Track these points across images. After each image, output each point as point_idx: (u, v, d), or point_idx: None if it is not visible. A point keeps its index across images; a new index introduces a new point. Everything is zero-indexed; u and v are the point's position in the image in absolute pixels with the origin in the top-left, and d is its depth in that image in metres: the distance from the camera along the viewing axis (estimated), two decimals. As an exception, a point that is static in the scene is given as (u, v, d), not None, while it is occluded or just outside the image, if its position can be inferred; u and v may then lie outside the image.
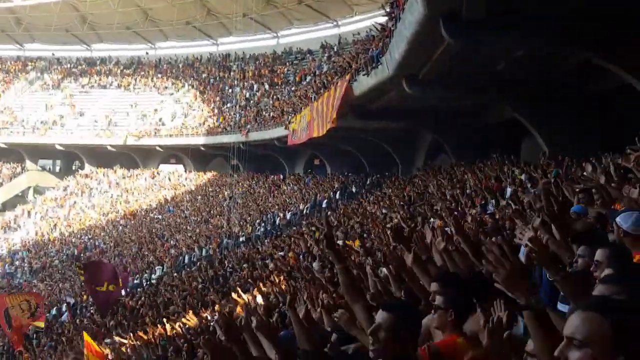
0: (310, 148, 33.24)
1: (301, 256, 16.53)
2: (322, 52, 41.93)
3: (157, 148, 46.43)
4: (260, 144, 36.15)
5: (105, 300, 19.10)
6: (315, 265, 12.70)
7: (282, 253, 19.50)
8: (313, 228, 21.15)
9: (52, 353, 17.79)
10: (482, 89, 18.03)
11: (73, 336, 19.52)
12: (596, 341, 1.55)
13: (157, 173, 47.41)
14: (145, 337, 13.37)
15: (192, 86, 50.59)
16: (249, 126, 37.75)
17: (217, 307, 13.35)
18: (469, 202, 13.34)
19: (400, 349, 2.56)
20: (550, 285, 2.99)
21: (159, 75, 53.17)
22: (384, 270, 7.88)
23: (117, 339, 15.22)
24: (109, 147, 47.14)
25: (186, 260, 28.74)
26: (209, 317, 12.61)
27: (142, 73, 54.04)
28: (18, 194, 49.64)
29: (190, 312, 14.46)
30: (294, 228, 25.94)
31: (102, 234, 39.17)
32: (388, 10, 18.92)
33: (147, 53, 56.23)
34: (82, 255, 36.36)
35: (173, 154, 47.99)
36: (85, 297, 23.68)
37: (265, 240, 25.85)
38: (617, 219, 3.86)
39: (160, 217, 38.89)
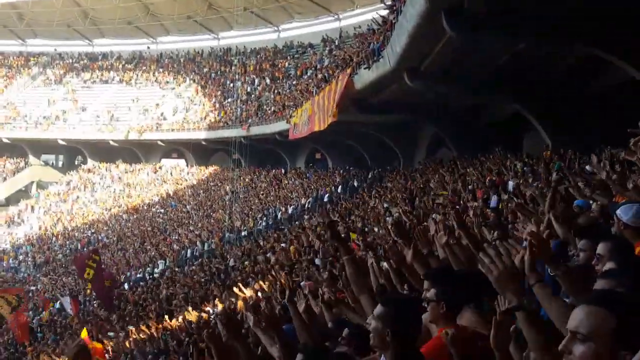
0: (312, 142, 33.20)
1: (303, 250, 16.55)
2: (323, 46, 41.81)
3: (159, 143, 46.46)
4: (261, 138, 36.12)
5: (109, 295, 19.26)
6: (317, 261, 12.71)
7: (284, 244, 19.53)
8: (315, 223, 21.17)
9: (56, 346, 17.85)
10: (484, 82, 17.97)
11: (78, 329, 19.63)
12: (600, 335, 1.55)
13: (159, 167, 47.45)
14: (148, 331, 13.43)
15: (194, 81, 50.54)
16: (250, 120, 37.73)
17: (217, 301, 13.37)
18: (471, 195, 13.32)
19: (400, 343, 2.56)
20: (552, 280, 2.99)
21: (161, 70, 53.12)
22: (385, 264, 7.89)
23: (120, 332, 15.29)
24: (111, 142, 47.21)
25: (188, 255, 28.81)
26: (211, 311, 12.65)
27: (144, 68, 54.00)
28: (21, 188, 49.77)
29: (192, 306, 14.50)
30: (296, 222, 25.97)
31: (105, 228, 39.31)
32: (389, 3, 18.84)
33: (148, 48, 56.16)
34: (85, 249, 36.49)
35: (175, 149, 48.00)
36: (88, 291, 23.76)
37: (267, 235, 25.88)
38: (618, 212, 3.87)
39: (162, 211, 38.96)
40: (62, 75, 54.47)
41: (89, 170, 49.21)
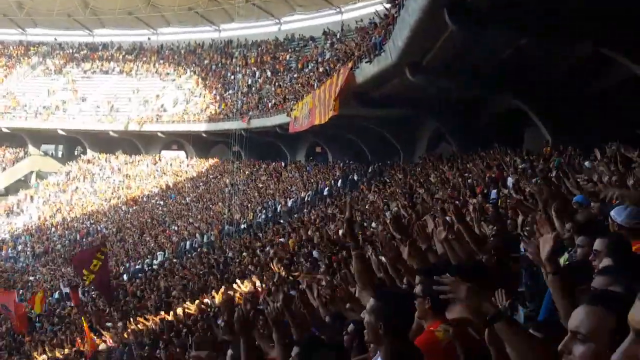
0: (312, 135, 33.17)
1: (302, 244, 16.56)
2: (324, 39, 41.70)
3: (159, 134, 46.41)
4: (262, 131, 36.08)
5: (109, 287, 19.36)
6: (315, 253, 12.73)
7: (282, 238, 19.56)
8: (314, 216, 21.19)
9: (53, 337, 17.88)
10: (486, 78, 17.94)
11: (77, 320, 19.68)
12: (600, 335, 1.54)
13: (159, 159, 47.42)
14: (146, 323, 13.46)
15: (194, 72, 50.42)
16: (250, 113, 37.67)
17: (214, 293, 13.39)
18: (469, 192, 13.31)
19: (393, 337, 2.57)
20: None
21: (161, 61, 52.98)
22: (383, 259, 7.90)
23: (119, 323, 15.31)
24: (111, 133, 47.14)
25: (187, 247, 28.85)
26: (209, 303, 12.68)
27: (144, 59, 53.85)
28: (21, 178, 49.75)
29: (190, 298, 14.53)
30: (295, 216, 25.99)
31: (104, 219, 39.32)
32: (391, -3, 18.79)
33: (149, 39, 55.97)
34: (84, 240, 36.54)
35: (175, 140, 47.95)
36: (87, 282, 23.77)
37: (266, 228, 25.91)
38: (611, 213, 3.90)
39: (162, 203, 38.98)
40: (62, 65, 54.33)
41: (88, 161, 49.16)
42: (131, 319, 15.37)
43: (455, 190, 14.52)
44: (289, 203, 28.56)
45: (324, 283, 8.96)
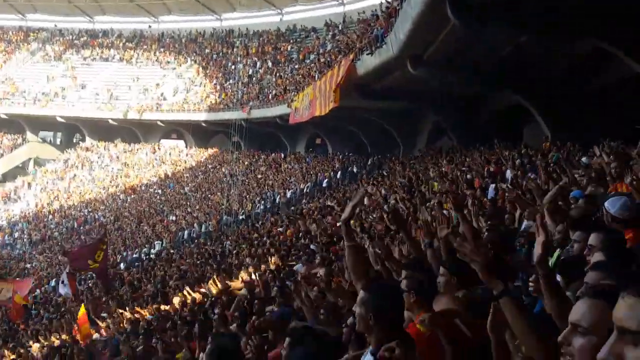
0: (313, 127, 33.12)
1: (300, 235, 16.54)
2: (326, 30, 41.54)
3: (159, 123, 46.29)
4: (262, 121, 36.02)
5: (106, 277, 19.44)
6: (312, 247, 12.73)
7: (280, 229, 19.55)
8: (313, 208, 21.18)
9: (49, 325, 17.87)
10: (487, 74, 17.92)
11: (73, 308, 19.68)
12: (601, 329, 1.55)
13: (158, 148, 47.33)
14: (143, 312, 13.46)
15: (195, 61, 50.24)
16: (251, 103, 37.59)
17: (210, 283, 13.38)
18: (466, 185, 13.28)
19: (382, 327, 2.59)
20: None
21: (162, 50, 52.78)
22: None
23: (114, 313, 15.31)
24: (110, 121, 47.01)
25: (185, 236, 28.85)
26: (206, 292, 12.67)
27: (145, 47, 53.64)
28: (18, 165, 49.66)
29: (187, 288, 14.51)
30: (292, 207, 25.97)
31: (102, 207, 39.28)
32: (394, -11, 18.69)
33: (149, 26, 55.74)
34: (82, 228, 36.52)
35: (174, 129, 47.86)
36: (84, 271, 23.81)
37: (265, 218, 25.90)
38: (605, 204, 3.92)
39: (160, 192, 38.94)
40: (61, 52, 54.11)
41: (87, 149, 49.06)
42: (127, 308, 15.38)
43: (453, 184, 14.50)
44: (288, 194, 28.55)
45: (320, 275, 8.95)
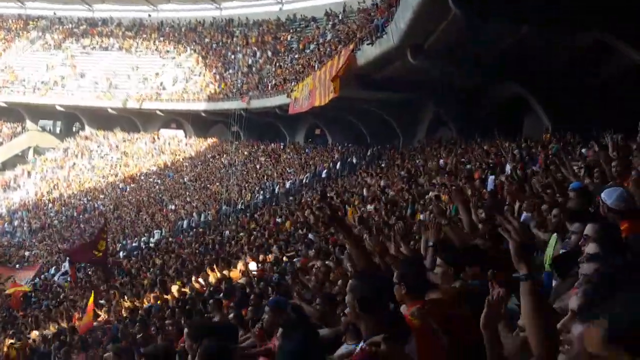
0: (312, 117, 33.04)
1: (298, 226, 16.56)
2: (326, 20, 41.32)
3: (158, 112, 46.17)
4: (261, 111, 35.94)
5: (106, 265, 19.57)
6: (310, 236, 12.75)
7: (279, 219, 19.58)
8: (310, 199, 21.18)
9: (48, 313, 17.92)
10: (487, 66, 17.87)
11: (72, 295, 19.74)
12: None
13: (158, 137, 47.25)
14: (143, 301, 13.51)
15: (194, 51, 50.03)
16: (250, 93, 37.49)
17: (209, 272, 13.40)
18: (467, 177, 13.29)
19: (368, 314, 2.58)
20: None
21: (161, 39, 52.53)
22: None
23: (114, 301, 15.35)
24: (109, 110, 46.89)
25: (184, 226, 28.88)
26: (203, 282, 12.70)
27: (144, 36, 53.39)
28: (18, 153, 49.59)
29: (186, 277, 14.55)
30: (291, 198, 25.97)
31: (102, 196, 39.30)
32: (395, -22, 18.57)
33: (149, 15, 55.43)
34: (81, 216, 36.56)
35: (174, 119, 47.76)
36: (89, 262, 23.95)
37: (264, 209, 25.91)
38: (602, 195, 3.96)
39: (159, 181, 38.94)
40: (61, 41, 53.88)
41: (86, 138, 49.00)
42: (126, 297, 15.42)
43: (452, 175, 14.51)
44: (287, 185, 28.54)
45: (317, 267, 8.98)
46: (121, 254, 27.36)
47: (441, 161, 18.46)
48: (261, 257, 12.86)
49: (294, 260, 11.08)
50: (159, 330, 8.74)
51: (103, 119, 48.36)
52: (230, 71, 44.47)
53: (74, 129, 52.01)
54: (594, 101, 16.25)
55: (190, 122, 45.62)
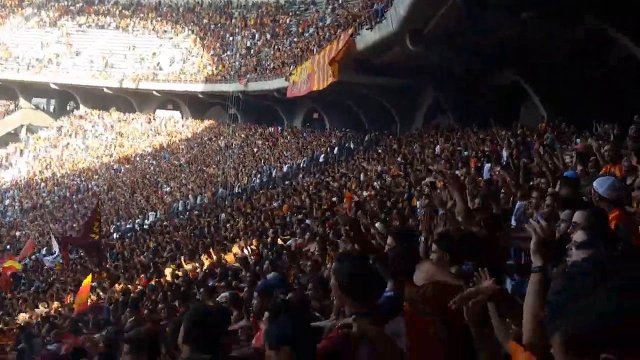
0: (310, 101, 32.91)
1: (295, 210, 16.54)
2: (326, 4, 41.01)
3: (154, 93, 45.83)
4: (259, 94, 35.74)
5: (99, 247, 19.55)
6: (308, 221, 12.75)
7: (276, 204, 19.55)
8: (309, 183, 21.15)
9: (37, 295, 17.85)
10: (486, 55, 17.80)
11: (62, 277, 19.69)
12: None
13: (154, 118, 46.96)
14: (135, 283, 13.49)
15: (192, 31, 49.60)
16: (248, 76, 37.25)
17: (204, 256, 13.37)
18: (464, 164, 13.27)
19: (348, 298, 2.56)
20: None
21: (159, 19, 52.04)
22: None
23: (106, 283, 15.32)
24: (105, 89, 46.50)
25: (180, 208, 28.81)
26: (197, 266, 12.68)
27: (141, 15, 52.85)
28: (10, 131, 49.15)
29: (180, 259, 14.53)
30: (287, 182, 25.91)
31: (96, 177, 39.09)
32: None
33: (147, -6, 54.88)
34: (74, 197, 36.39)
35: (170, 100, 47.41)
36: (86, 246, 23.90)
37: (260, 192, 25.86)
38: (594, 183, 4.02)
39: (154, 163, 38.77)
40: (56, 18, 53.29)
41: (80, 117, 48.63)
42: (119, 279, 15.40)
43: (448, 162, 14.48)
44: (285, 168, 28.48)
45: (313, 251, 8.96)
46: (115, 235, 27.28)
47: (437, 148, 18.44)
48: (257, 240, 12.84)
49: (288, 243, 11.06)
50: (151, 314, 8.71)
51: (98, 98, 47.95)
52: (229, 53, 44.15)
53: (68, 107, 51.60)
54: (591, 92, 16.24)
55: (187, 103, 45.34)
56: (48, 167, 42.35)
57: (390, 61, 21.18)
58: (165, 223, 25.82)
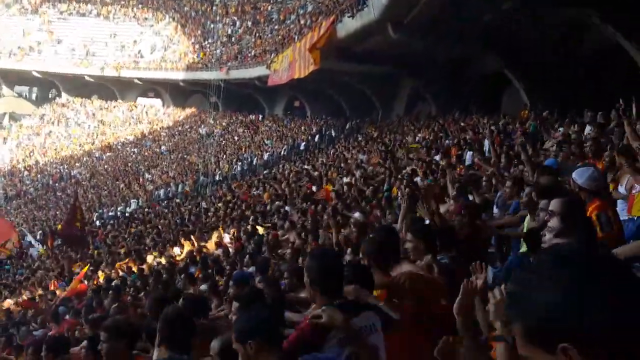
0: (291, 89, 32.82)
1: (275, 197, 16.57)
2: (308, -9, 40.76)
3: (136, 81, 45.43)
4: (240, 82, 35.54)
5: (82, 235, 19.50)
6: (288, 208, 12.79)
7: (257, 191, 19.55)
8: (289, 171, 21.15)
9: (22, 280, 17.77)
10: (468, 39, 17.84)
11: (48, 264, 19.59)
12: None
13: (135, 106, 46.57)
14: (118, 271, 13.48)
15: (173, 19, 49.14)
16: (229, 63, 37.01)
17: (185, 243, 13.39)
18: (444, 153, 13.37)
19: (319, 292, 2.61)
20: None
21: (140, 6, 51.44)
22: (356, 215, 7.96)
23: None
24: (86, 77, 46.01)
25: (162, 195, 28.72)
26: (178, 252, 12.70)
27: (122, 2, 52.20)
28: (-7, 119, 48.62)
29: (161, 247, 14.53)
30: (266, 171, 25.87)
31: (78, 164, 38.83)
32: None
33: (128, -19, 54.13)
34: (57, 184, 36.12)
35: (151, 88, 47.05)
36: (59, 226, 23.74)
37: (241, 180, 25.85)
38: (573, 174, 4.04)
39: (136, 151, 38.54)
40: (38, 5, 52.45)
41: (63, 105, 48.14)
42: (102, 266, 15.37)
43: (429, 151, 14.58)
44: (265, 156, 28.45)
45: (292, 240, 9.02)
46: (97, 222, 27.17)
47: (418, 136, 18.54)
48: (237, 229, 12.87)
49: (268, 232, 11.11)
50: (135, 301, 8.73)
51: (80, 86, 47.47)
52: (210, 40, 43.81)
53: (50, 95, 51.02)
54: (575, 80, 16.37)
55: (168, 91, 45.01)
56: (31, 154, 41.95)
57: (372, 49, 21.15)
58: (147, 210, 25.75)
